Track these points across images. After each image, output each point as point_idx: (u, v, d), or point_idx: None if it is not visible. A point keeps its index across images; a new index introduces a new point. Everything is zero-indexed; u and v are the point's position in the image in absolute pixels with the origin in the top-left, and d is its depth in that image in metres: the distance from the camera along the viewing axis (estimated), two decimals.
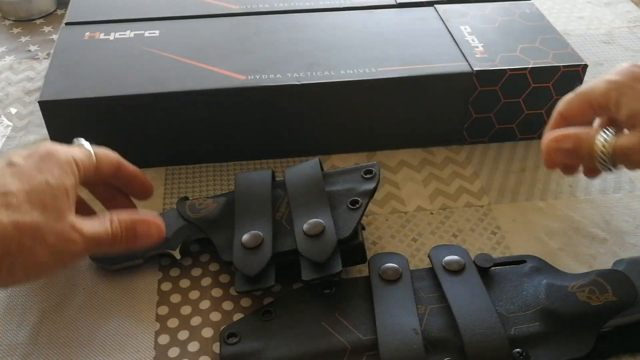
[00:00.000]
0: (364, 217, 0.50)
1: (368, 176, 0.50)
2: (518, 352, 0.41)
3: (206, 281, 0.49)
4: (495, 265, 0.47)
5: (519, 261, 0.48)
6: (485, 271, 0.46)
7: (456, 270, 0.46)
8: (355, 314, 0.44)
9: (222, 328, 0.45)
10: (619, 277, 0.45)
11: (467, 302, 0.44)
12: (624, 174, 0.59)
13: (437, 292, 0.45)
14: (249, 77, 0.56)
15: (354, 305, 0.45)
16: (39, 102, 0.54)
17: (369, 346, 0.42)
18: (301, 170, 0.52)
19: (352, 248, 0.47)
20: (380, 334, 0.42)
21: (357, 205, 0.48)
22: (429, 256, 0.48)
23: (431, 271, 0.47)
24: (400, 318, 0.43)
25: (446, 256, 0.47)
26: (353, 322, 0.44)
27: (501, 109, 0.60)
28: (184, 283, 0.49)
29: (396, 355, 0.41)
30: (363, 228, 0.50)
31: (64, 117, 0.55)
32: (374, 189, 0.49)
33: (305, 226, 0.47)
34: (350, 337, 0.43)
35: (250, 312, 0.46)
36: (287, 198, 0.50)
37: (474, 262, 0.46)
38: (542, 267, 0.47)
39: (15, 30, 0.79)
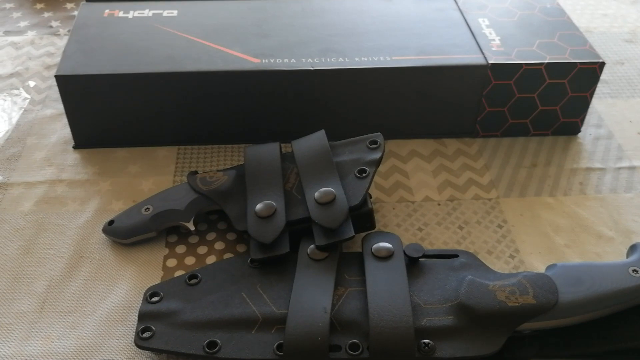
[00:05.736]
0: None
1: (373, 146, 0.51)
2: (424, 342, 0.41)
3: (211, 259, 0.50)
4: (427, 256, 0.47)
5: (451, 255, 0.48)
6: (415, 261, 0.46)
7: (384, 257, 0.46)
8: (277, 288, 0.45)
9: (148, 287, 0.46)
10: (544, 281, 0.43)
11: (383, 288, 0.44)
12: (637, 174, 0.59)
13: (361, 276, 0.46)
14: (263, 61, 0.56)
15: (277, 280, 0.46)
16: (55, 76, 0.55)
17: (281, 319, 0.43)
18: (309, 142, 0.53)
19: (362, 215, 0.48)
20: (291, 309, 0.42)
21: (365, 174, 0.49)
22: (362, 241, 0.48)
23: (362, 255, 0.47)
24: (314, 296, 0.43)
25: (378, 243, 0.47)
26: (271, 296, 0.44)
27: (515, 104, 0.59)
28: (189, 260, 0.50)
29: (301, 330, 0.41)
30: (370, 197, 0.52)
31: (80, 92, 0.56)
32: (380, 158, 0.50)
33: (316, 194, 0.48)
34: (264, 309, 0.43)
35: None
36: (296, 169, 0.51)
37: (403, 251, 0.46)
38: (473, 263, 0.47)
39: (38, 6, 0.80)
